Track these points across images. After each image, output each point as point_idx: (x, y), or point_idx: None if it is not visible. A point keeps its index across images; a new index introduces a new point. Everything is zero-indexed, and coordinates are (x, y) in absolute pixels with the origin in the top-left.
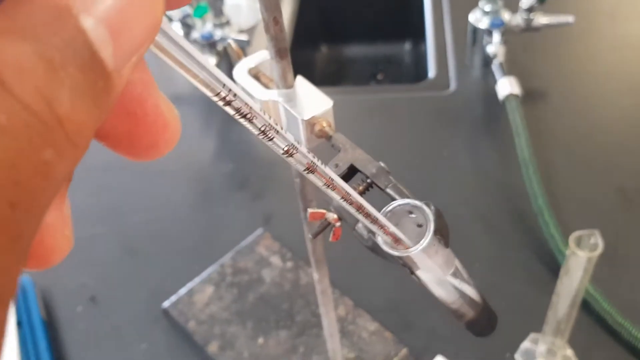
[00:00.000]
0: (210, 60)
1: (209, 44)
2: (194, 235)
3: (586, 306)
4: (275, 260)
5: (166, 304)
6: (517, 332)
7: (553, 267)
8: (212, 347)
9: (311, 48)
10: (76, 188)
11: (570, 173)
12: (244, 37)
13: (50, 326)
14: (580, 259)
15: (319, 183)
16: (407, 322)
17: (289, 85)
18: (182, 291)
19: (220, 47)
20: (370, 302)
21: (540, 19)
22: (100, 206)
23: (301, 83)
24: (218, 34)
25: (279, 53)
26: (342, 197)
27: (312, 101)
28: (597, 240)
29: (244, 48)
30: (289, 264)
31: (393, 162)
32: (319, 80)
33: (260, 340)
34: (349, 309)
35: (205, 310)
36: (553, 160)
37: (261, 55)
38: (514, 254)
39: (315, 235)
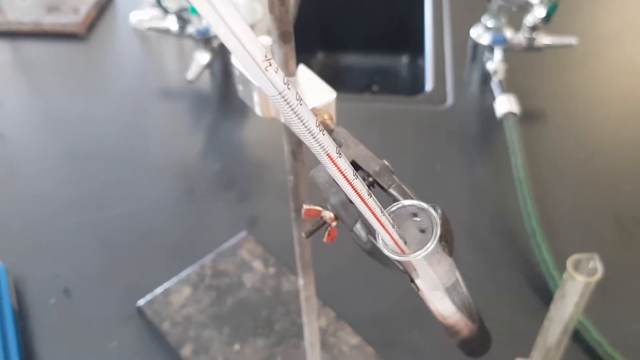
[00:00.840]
0: (204, 57)
1: (204, 39)
2: (175, 233)
3: (576, 335)
4: (257, 265)
5: (141, 302)
6: (503, 356)
7: (543, 291)
8: (186, 351)
9: (308, 53)
10: (56, 175)
11: (566, 196)
12: None
13: (21, 316)
14: (577, 284)
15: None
16: (390, 338)
17: (290, 73)
18: (159, 290)
19: (215, 44)
20: (353, 315)
21: (543, 39)
22: (80, 196)
23: (304, 72)
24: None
25: (282, 37)
26: (348, 183)
27: (315, 91)
28: (597, 264)
29: None
30: (271, 270)
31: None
32: None
33: (236, 346)
34: (330, 320)
35: (181, 312)
36: (549, 182)
37: (263, 40)
38: (504, 274)
39: (308, 235)
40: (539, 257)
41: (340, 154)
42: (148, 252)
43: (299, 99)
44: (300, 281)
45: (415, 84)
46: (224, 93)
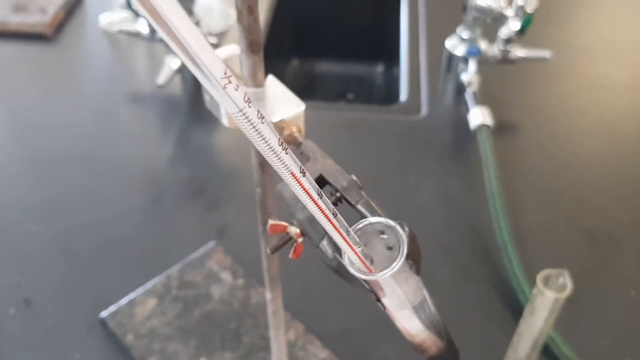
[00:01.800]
0: (175, 62)
1: None
2: (140, 243)
3: (545, 349)
4: (226, 276)
5: (104, 313)
6: None
7: (514, 305)
8: None
9: (282, 60)
10: (19, 181)
11: (539, 209)
12: (212, 41)
13: None
14: (546, 299)
15: (288, 177)
16: (359, 352)
17: (258, 84)
18: (123, 301)
19: None
20: (322, 328)
21: (518, 52)
22: (43, 203)
23: (272, 83)
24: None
25: (250, 46)
26: (313, 202)
27: (283, 103)
28: (566, 280)
29: None
30: (240, 281)
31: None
32: None
33: None
34: (299, 333)
35: (146, 324)
36: (521, 195)
37: (231, 49)
38: (475, 287)
39: (274, 250)
40: (509, 271)
41: (305, 172)
42: (113, 262)
43: (261, 116)
44: (268, 295)
45: (390, 93)
46: (195, 99)
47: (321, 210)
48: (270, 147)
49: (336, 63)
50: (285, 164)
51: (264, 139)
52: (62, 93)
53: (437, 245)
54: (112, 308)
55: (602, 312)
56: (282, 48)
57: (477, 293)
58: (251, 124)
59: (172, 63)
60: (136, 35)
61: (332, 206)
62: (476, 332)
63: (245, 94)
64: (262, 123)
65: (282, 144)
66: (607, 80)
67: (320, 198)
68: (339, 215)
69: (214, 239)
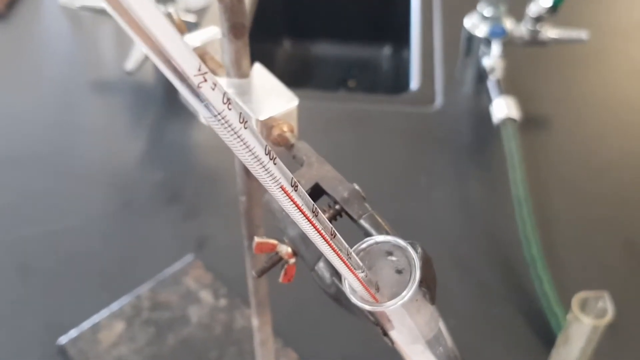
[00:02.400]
0: None
1: None
2: (106, 257)
3: None
4: (206, 295)
5: (63, 339)
6: None
7: (544, 331)
8: None
9: (272, 42)
10: None
11: (572, 218)
12: (190, 19)
13: None
14: (584, 327)
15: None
16: None
17: (243, 74)
18: (85, 325)
19: None
20: (319, 357)
21: (549, 32)
22: None
23: (259, 72)
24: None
25: (233, 30)
26: (307, 220)
27: (272, 97)
28: (607, 304)
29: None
30: (222, 302)
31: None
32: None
33: None
34: None
35: (112, 352)
36: (552, 201)
37: (211, 32)
38: (498, 311)
39: (260, 274)
40: (539, 291)
41: (297, 186)
42: (73, 279)
43: (243, 120)
44: (255, 321)
45: (398, 80)
46: (170, 87)
47: (317, 230)
48: (255, 157)
49: (335, 44)
50: (273, 176)
51: (247, 147)
52: (16, 80)
53: (453, 261)
54: (73, 333)
55: None
56: (272, 27)
57: (502, 317)
58: (232, 130)
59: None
60: (102, 12)
61: (330, 225)
62: None
63: (225, 94)
64: (245, 128)
65: (269, 152)
66: None
67: (316, 216)
68: (338, 235)
69: (192, 251)
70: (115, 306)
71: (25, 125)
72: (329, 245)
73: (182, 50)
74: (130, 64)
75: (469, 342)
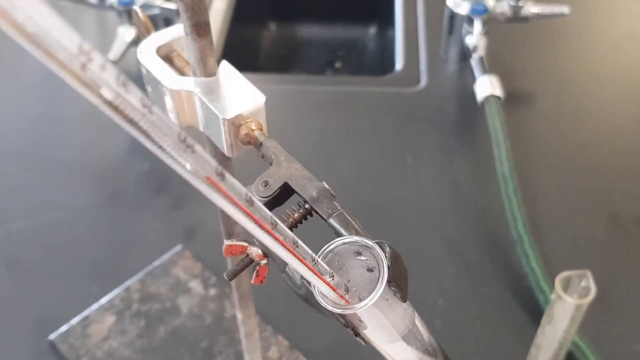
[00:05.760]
0: (129, 33)
1: (129, 11)
2: (94, 250)
3: (569, 358)
4: (196, 285)
5: (53, 335)
6: None
7: (532, 307)
8: None
9: (256, 25)
10: None
11: (558, 193)
12: (172, 6)
13: None
14: (567, 306)
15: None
16: None
17: (209, 73)
18: (75, 320)
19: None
20: (310, 344)
21: (531, 8)
22: None
23: (226, 71)
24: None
25: (196, 28)
26: (261, 228)
27: (239, 95)
28: (589, 283)
29: (173, 20)
30: (212, 292)
31: (347, 168)
32: (264, 64)
33: None
34: (283, 350)
35: (103, 346)
36: (538, 177)
37: (177, 30)
38: (486, 289)
39: (231, 277)
40: (526, 268)
41: (252, 201)
42: (62, 274)
43: (148, 105)
44: (239, 315)
45: (384, 61)
46: None
47: (279, 241)
48: (169, 155)
49: (321, 26)
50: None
51: (155, 143)
52: None
53: (440, 240)
54: (63, 328)
55: (634, 312)
56: (256, 9)
57: (488, 295)
58: (132, 119)
59: (126, 35)
60: (82, 2)
61: (292, 234)
62: (488, 341)
63: (119, 75)
64: (151, 113)
65: (184, 138)
66: (635, 39)
67: (275, 228)
68: (301, 243)
69: (180, 242)
70: (104, 300)
71: (7, 117)
72: (293, 254)
73: (57, 25)
74: (113, 53)
75: (458, 321)
